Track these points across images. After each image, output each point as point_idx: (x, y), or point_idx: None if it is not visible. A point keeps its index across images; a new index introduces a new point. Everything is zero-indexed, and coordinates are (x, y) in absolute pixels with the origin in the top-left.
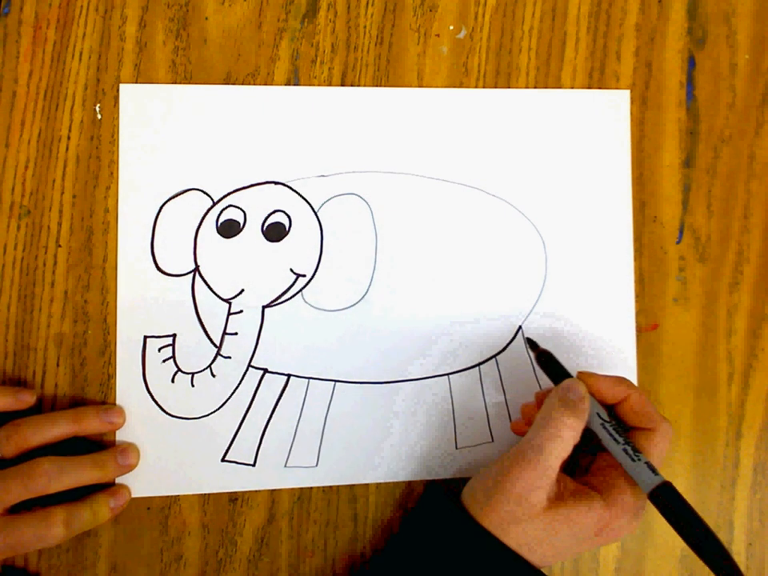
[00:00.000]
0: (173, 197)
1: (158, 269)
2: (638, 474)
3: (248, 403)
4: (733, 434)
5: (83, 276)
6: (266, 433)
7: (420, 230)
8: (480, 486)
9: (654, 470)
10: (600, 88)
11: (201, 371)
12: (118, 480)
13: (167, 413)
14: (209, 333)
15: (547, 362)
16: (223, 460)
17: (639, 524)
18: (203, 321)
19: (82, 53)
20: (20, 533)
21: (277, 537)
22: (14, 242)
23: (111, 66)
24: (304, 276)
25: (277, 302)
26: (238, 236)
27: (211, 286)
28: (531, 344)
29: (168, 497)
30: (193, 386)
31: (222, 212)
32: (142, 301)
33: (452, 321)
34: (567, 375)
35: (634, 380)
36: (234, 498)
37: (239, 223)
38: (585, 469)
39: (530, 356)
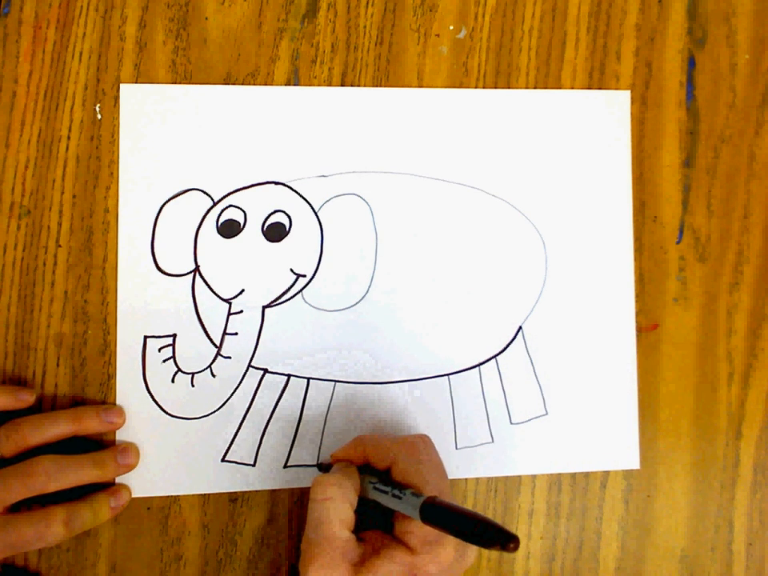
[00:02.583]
0: (173, 197)
1: (158, 269)
2: (407, 508)
3: (248, 403)
4: (733, 434)
5: (83, 276)
6: (266, 433)
7: (420, 230)
8: None
9: (417, 495)
10: (600, 88)
11: (201, 371)
12: (118, 480)
13: (167, 413)
14: (209, 333)
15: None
16: (223, 460)
17: (465, 554)
18: (203, 321)
19: (82, 53)
20: (20, 532)
21: (277, 537)
22: (13, 241)
23: (111, 65)
24: (304, 276)
25: (277, 302)
26: (238, 236)
27: (211, 285)
28: (319, 467)
29: (168, 497)
30: (193, 386)
31: (222, 212)
32: (142, 301)
33: (452, 321)
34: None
35: (634, 380)
36: (233, 497)
37: (239, 223)
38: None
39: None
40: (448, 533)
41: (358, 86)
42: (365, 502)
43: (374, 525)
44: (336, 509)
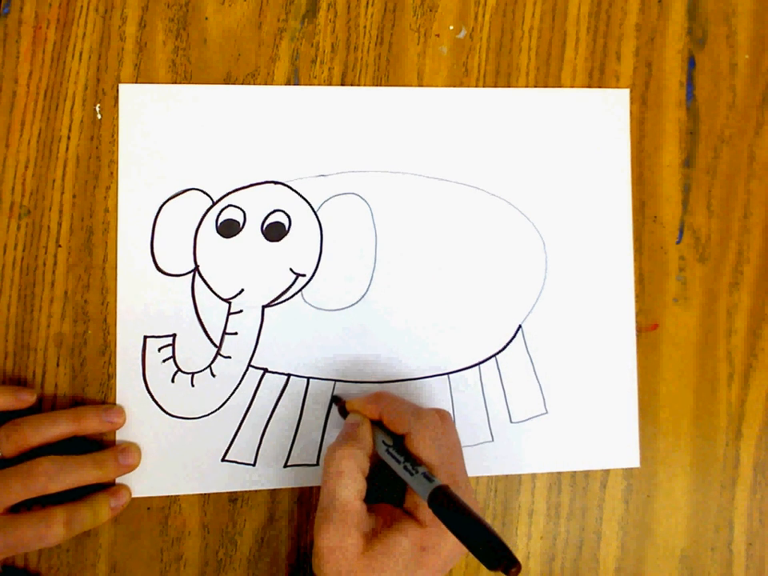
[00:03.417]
0: (173, 197)
1: (158, 269)
2: (418, 487)
3: (248, 403)
4: (733, 434)
5: (83, 276)
6: (266, 433)
7: (420, 230)
8: (313, 549)
9: (429, 478)
10: (600, 88)
11: (201, 371)
12: (119, 480)
13: (167, 413)
14: (209, 333)
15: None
16: (223, 460)
17: None
18: (203, 321)
19: (82, 53)
20: (20, 532)
21: (277, 537)
22: (14, 241)
23: (111, 65)
24: (304, 276)
25: (277, 302)
26: (237, 236)
27: (211, 285)
28: (335, 399)
29: (168, 497)
30: (193, 385)
31: (221, 212)
32: (142, 301)
33: (452, 320)
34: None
35: (634, 380)
36: (233, 498)
37: (239, 223)
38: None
39: (334, 408)
40: (451, 531)
41: (358, 85)
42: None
43: (386, 481)
44: (349, 481)
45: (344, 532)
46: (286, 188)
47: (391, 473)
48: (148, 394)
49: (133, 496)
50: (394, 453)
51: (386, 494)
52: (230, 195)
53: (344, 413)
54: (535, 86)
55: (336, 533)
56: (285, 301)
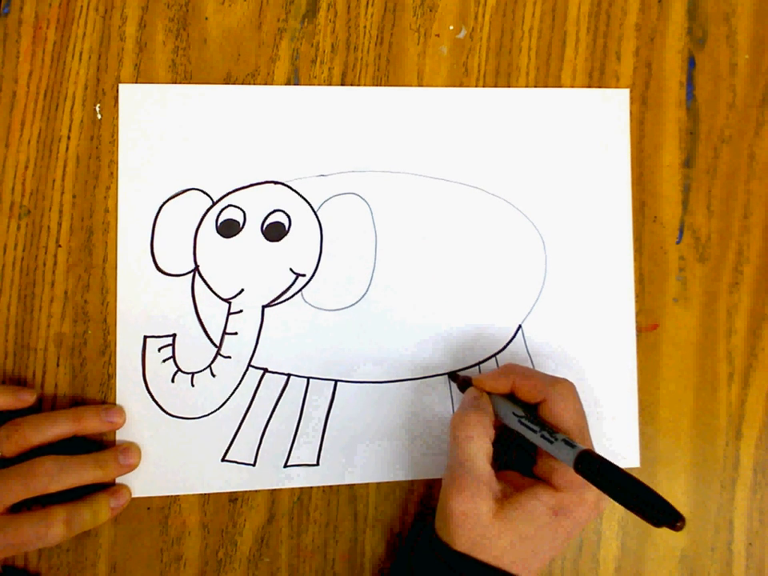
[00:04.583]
0: (172, 197)
1: (158, 269)
2: (559, 454)
3: (248, 403)
4: (733, 434)
5: (83, 276)
6: (266, 433)
7: (420, 230)
8: (440, 514)
9: (571, 444)
10: (600, 88)
11: (201, 371)
12: (119, 480)
13: (167, 413)
14: (209, 333)
15: (465, 386)
16: (223, 460)
17: (601, 498)
18: (203, 321)
19: (82, 53)
20: (20, 532)
21: (277, 537)
22: (14, 241)
23: (111, 66)
24: (304, 276)
25: (277, 302)
26: (237, 236)
27: (211, 285)
28: (452, 377)
29: (168, 497)
30: (193, 385)
31: (221, 212)
32: (142, 301)
33: (452, 320)
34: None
35: (634, 380)
36: (234, 498)
37: (239, 223)
38: (530, 465)
39: (450, 387)
40: (605, 492)
41: (358, 85)
42: (502, 431)
43: (510, 454)
44: (478, 445)
45: (477, 496)
46: (286, 188)
47: (516, 443)
48: (148, 394)
49: (133, 496)
50: (528, 423)
51: (510, 464)
52: (230, 195)
53: (464, 388)
54: (535, 86)
55: (469, 497)
56: (285, 301)
